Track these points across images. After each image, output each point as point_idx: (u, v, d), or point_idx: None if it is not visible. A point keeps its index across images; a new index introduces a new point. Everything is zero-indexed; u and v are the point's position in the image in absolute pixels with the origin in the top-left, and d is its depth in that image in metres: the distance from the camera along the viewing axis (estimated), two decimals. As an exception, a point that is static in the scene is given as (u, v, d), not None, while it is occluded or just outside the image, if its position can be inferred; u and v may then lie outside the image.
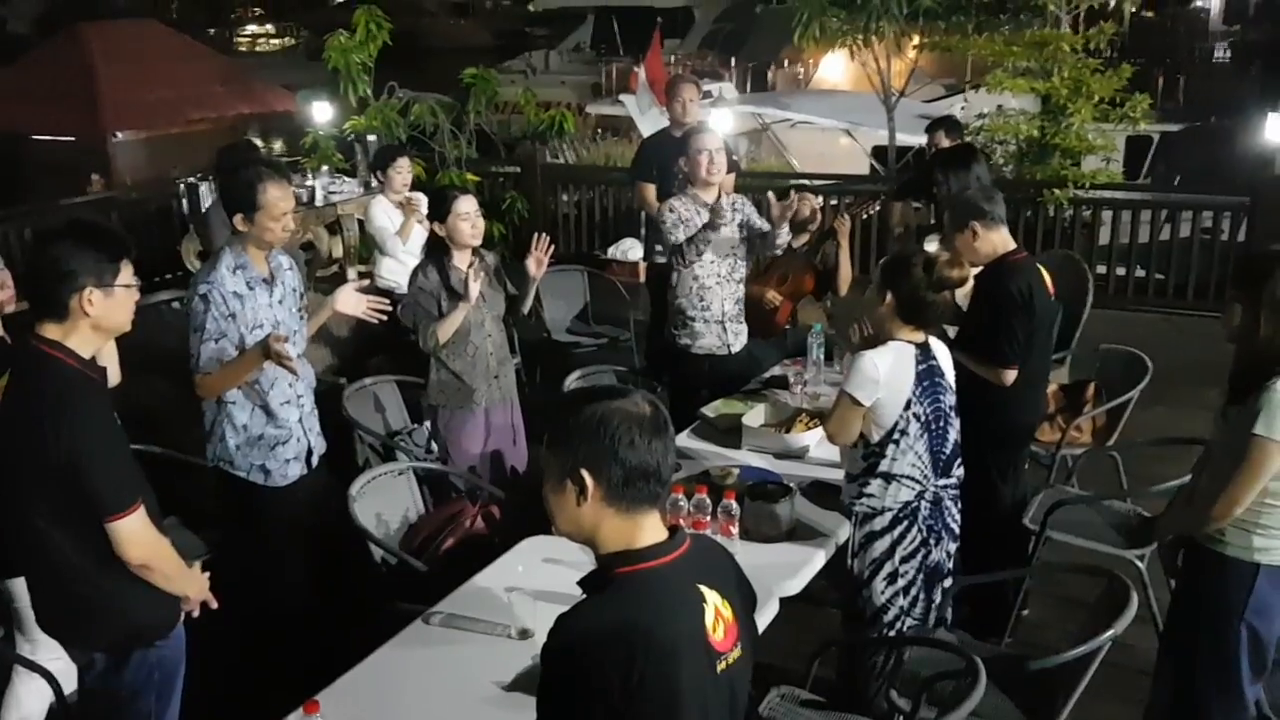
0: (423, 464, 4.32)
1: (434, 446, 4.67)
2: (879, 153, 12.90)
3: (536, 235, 4.37)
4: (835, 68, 19.15)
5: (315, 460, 3.86)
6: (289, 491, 3.74)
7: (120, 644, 2.80)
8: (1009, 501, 4.11)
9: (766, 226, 4.79)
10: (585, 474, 1.83)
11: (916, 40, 10.76)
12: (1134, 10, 9.90)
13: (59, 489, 2.56)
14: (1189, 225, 8.42)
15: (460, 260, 4.28)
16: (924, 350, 3.30)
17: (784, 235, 4.73)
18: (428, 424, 4.79)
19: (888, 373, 3.22)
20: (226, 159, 5.48)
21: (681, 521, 3.16)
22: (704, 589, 1.88)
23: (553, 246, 4.39)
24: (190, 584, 2.85)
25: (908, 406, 3.24)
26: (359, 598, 3.76)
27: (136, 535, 2.63)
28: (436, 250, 4.32)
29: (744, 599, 2.00)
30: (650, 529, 1.88)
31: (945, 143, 5.87)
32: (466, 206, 4.25)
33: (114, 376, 3.04)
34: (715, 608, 1.88)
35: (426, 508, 4.10)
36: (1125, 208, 8.49)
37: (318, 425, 3.89)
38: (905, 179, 7.08)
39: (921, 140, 7.12)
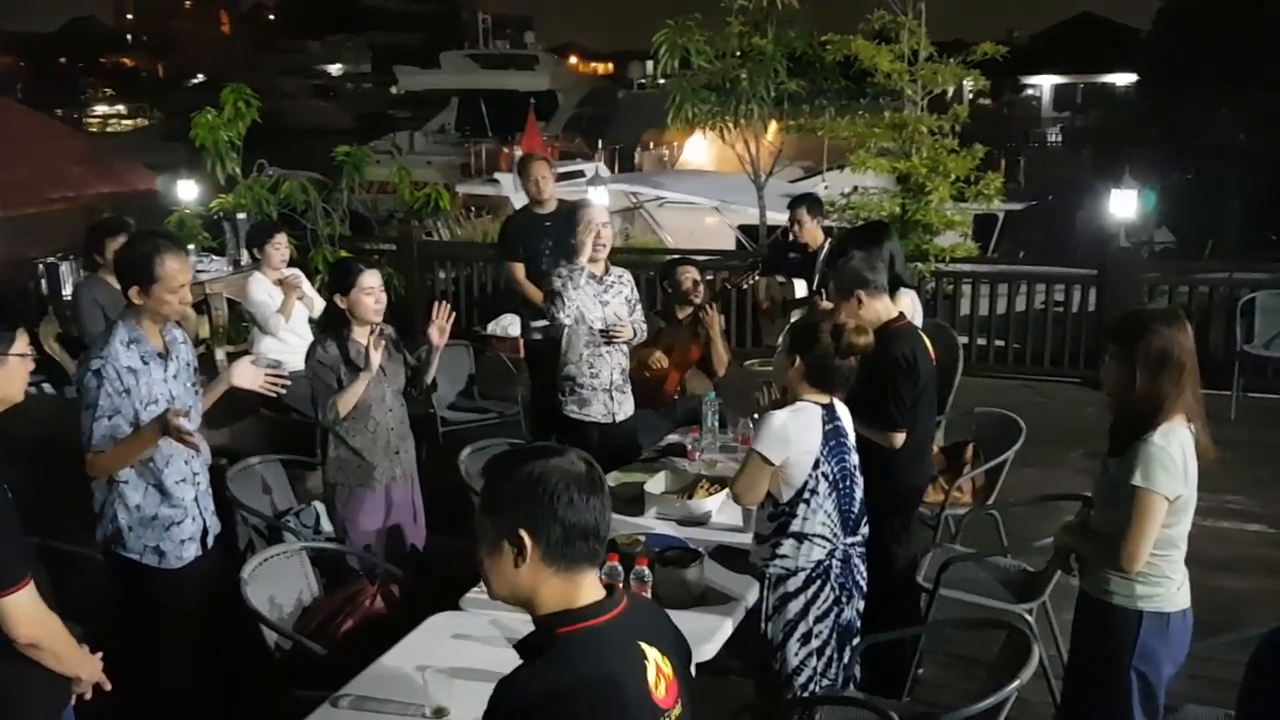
0: (317, 544, 4.18)
1: (324, 526, 4.53)
2: (745, 230, 13.45)
3: (437, 304, 4.34)
4: (699, 150, 19.84)
5: (211, 541, 3.70)
6: (184, 574, 3.58)
7: None
8: (903, 562, 4.21)
9: (638, 305, 4.99)
10: (524, 534, 1.82)
11: (779, 124, 11.21)
12: (972, 97, 10.52)
13: None
14: (1042, 296, 8.92)
15: (360, 335, 4.21)
16: (829, 411, 3.39)
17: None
18: (317, 504, 4.65)
19: (796, 431, 3.29)
20: (100, 233, 5.31)
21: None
22: (645, 646, 1.88)
23: (454, 315, 4.37)
24: (83, 665, 2.72)
25: (816, 465, 3.30)
26: (252, 687, 3.59)
27: (25, 612, 2.50)
28: (335, 324, 4.24)
29: (681, 656, 2.01)
30: (589, 588, 1.87)
31: (808, 219, 6.11)
32: (371, 281, 4.18)
33: None
34: (656, 665, 1.88)
35: (321, 589, 3.97)
36: (984, 280, 8.94)
37: (213, 504, 3.75)
38: (766, 255, 7.29)
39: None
